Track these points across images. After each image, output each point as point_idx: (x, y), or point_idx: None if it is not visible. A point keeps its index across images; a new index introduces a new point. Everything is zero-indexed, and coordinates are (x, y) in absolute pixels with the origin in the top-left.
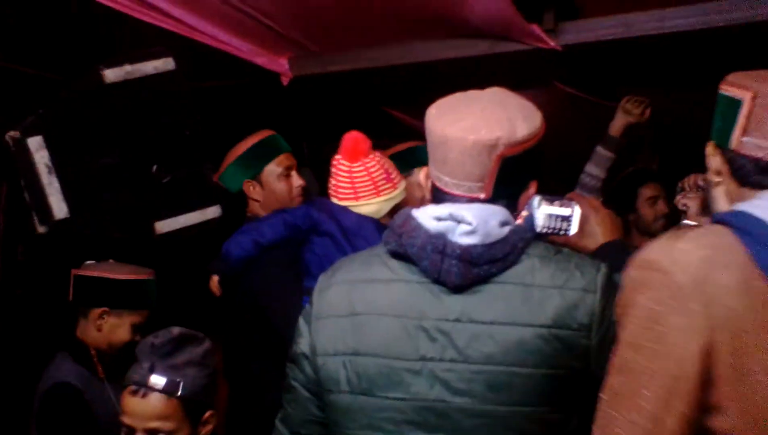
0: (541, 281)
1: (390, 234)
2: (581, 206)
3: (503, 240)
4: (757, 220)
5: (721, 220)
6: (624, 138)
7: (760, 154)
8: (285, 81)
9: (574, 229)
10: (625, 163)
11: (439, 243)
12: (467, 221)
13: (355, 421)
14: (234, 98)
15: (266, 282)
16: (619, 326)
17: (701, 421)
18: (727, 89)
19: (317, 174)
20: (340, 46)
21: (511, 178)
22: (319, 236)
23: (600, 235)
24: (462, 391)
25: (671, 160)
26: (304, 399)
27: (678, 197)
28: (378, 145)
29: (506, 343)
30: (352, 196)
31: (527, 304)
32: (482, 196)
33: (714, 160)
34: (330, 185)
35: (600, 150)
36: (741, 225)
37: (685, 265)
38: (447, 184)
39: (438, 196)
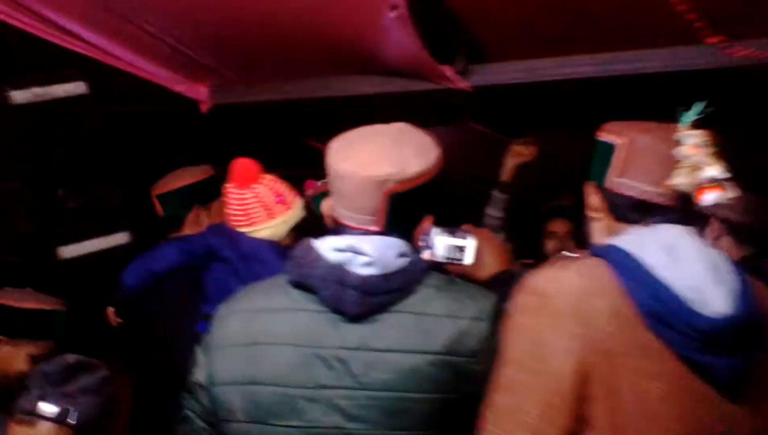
0: (436, 310)
1: (291, 264)
2: (476, 238)
3: (400, 271)
4: (626, 254)
5: (596, 253)
6: (516, 179)
7: (632, 193)
8: (204, 109)
9: (468, 258)
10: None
11: (338, 273)
12: (366, 253)
13: None
14: (155, 124)
15: (163, 310)
16: (504, 347)
17: (576, 434)
18: (603, 136)
19: None
20: (259, 77)
21: (402, 213)
22: (217, 262)
23: (492, 265)
24: (358, 417)
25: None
26: (199, 429)
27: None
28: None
29: (401, 370)
30: (245, 222)
31: (421, 332)
32: (374, 228)
33: (593, 198)
34: (224, 213)
35: (495, 193)
36: (613, 258)
37: (565, 292)
38: (343, 216)
39: (337, 227)
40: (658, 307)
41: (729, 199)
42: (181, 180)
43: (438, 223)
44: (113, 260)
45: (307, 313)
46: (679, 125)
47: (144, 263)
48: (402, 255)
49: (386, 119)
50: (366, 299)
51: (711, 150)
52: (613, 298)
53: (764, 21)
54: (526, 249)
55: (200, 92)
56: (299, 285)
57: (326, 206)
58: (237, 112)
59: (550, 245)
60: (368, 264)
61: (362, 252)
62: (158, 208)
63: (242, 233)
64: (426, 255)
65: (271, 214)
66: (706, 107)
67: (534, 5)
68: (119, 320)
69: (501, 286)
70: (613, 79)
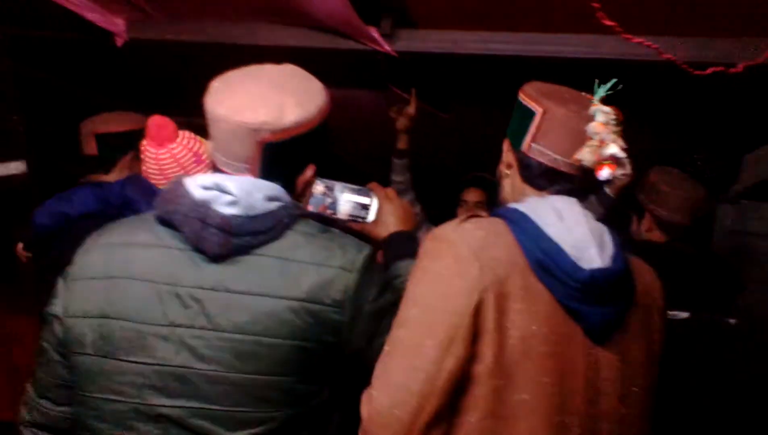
0: (302, 257)
1: (159, 200)
2: (379, 196)
3: (268, 214)
4: (522, 214)
5: (497, 214)
6: (408, 144)
7: (543, 160)
8: (119, 42)
9: (371, 216)
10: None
11: (202, 211)
12: (230, 192)
13: (95, 384)
14: (65, 53)
15: (73, 251)
16: (409, 288)
17: (466, 369)
18: (524, 99)
19: None
20: (182, 15)
21: (279, 162)
22: (131, 213)
23: (392, 224)
24: (208, 358)
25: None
26: (53, 361)
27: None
28: None
29: (257, 314)
30: (161, 180)
31: (283, 277)
32: (250, 175)
33: (508, 155)
34: (141, 169)
35: (395, 160)
36: (510, 217)
37: (468, 240)
38: (219, 161)
39: (215, 171)
40: (544, 259)
41: (622, 175)
42: (128, 123)
43: (323, 174)
44: (9, 190)
45: (168, 250)
46: (593, 99)
47: (59, 205)
48: (272, 199)
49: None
50: (227, 239)
51: (616, 128)
52: (508, 248)
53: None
54: (443, 217)
55: (116, 24)
56: (164, 221)
57: (207, 149)
58: (154, 51)
59: (460, 212)
60: (232, 203)
61: (227, 190)
62: (91, 146)
63: (159, 189)
64: (310, 207)
65: (187, 174)
66: (616, 85)
67: None
68: (28, 255)
69: (398, 245)
70: (535, 60)
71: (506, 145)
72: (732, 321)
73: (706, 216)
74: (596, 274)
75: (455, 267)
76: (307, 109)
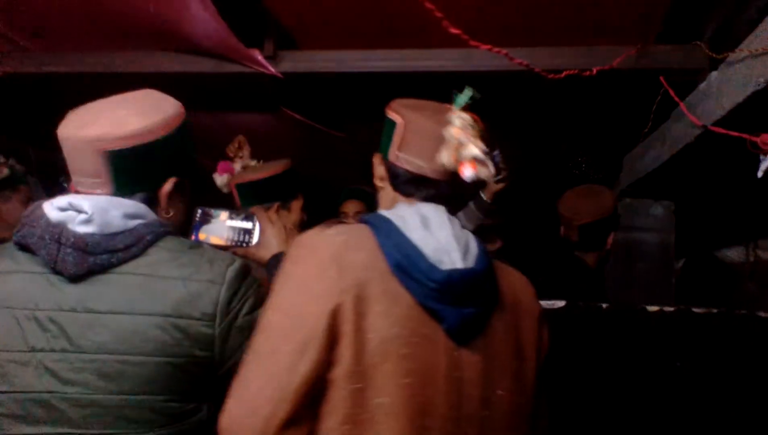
0: (167, 273)
1: (18, 225)
2: (260, 220)
3: (127, 231)
4: (386, 220)
5: (362, 220)
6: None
7: (409, 167)
8: None
9: (255, 240)
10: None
11: (57, 232)
12: (84, 210)
13: None
14: None
15: None
16: (272, 295)
17: (324, 374)
18: (389, 113)
19: (48, 182)
20: (56, 45)
21: (128, 173)
22: None
23: (275, 246)
24: (72, 381)
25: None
26: None
27: None
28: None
29: (121, 332)
30: None
31: (147, 294)
32: (99, 190)
33: (379, 168)
34: None
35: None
36: (374, 222)
37: (328, 245)
38: (75, 182)
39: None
40: (404, 262)
41: (486, 175)
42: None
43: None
44: None
45: (26, 275)
46: (453, 107)
47: None
48: (132, 216)
49: (198, 100)
50: (84, 258)
51: (474, 132)
52: (369, 253)
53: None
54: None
55: None
56: (23, 246)
57: None
58: (35, 85)
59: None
60: (86, 221)
61: (81, 209)
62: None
63: None
64: (192, 236)
65: None
66: (475, 94)
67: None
68: None
69: (279, 266)
70: (415, 75)
71: (377, 159)
72: (604, 306)
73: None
74: (453, 275)
75: (314, 271)
76: (149, 118)
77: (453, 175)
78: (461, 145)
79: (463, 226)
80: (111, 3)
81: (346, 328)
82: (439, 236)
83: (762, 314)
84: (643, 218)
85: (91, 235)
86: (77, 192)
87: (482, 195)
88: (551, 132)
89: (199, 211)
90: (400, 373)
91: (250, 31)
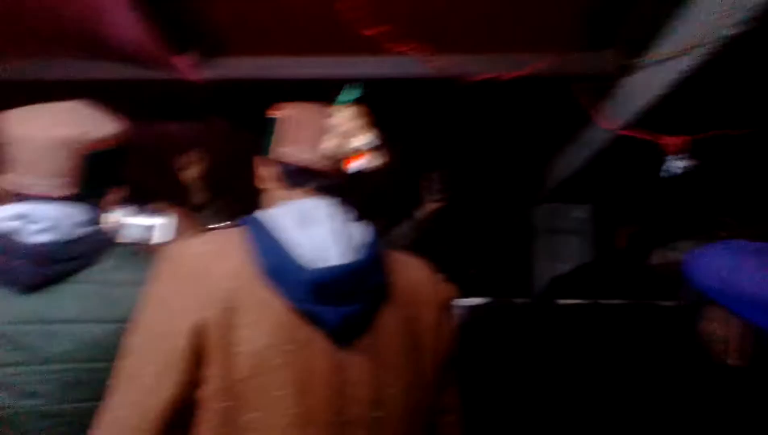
0: (121, 279)
1: None
2: (174, 216)
3: (80, 239)
4: (257, 222)
5: (237, 223)
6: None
7: (292, 160)
8: None
9: (159, 237)
10: None
11: (5, 244)
12: (39, 219)
13: None
14: None
15: None
16: (137, 315)
17: (191, 394)
18: (270, 112)
19: None
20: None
21: (94, 177)
22: None
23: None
24: (32, 394)
25: None
26: None
27: None
28: None
29: (80, 341)
30: None
31: (104, 301)
32: (61, 193)
33: (260, 169)
34: None
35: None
36: (248, 225)
37: (191, 256)
38: (25, 185)
39: (13, 198)
40: (274, 265)
41: (374, 164)
42: None
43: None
44: None
45: None
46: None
47: None
48: (83, 223)
49: (124, 107)
50: (39, 269)
51: (360, 122)
52: (237, 259)
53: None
54: None
55: None
56: None
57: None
58: None
59: None
60: (41, 231)
61: (35, 219)
62: None
63: None
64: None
65: None
66: (362, 91)
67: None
68: None
69: None
70: (343, 81)
71: (257, 161)
72: (519, 301)
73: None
74: (327, 273)
75: (176, 287)
76: (113, 125)
77: (339, 165)
78: (346, 135)
79: (352, 219)
80: (30, 6)
81: (213, 344)
82: (315, 233)
83: (664, 303)
84: (565, 221)
85: (45, 244)
86: (28, 195)
87: (416, 214)
88: (480, 138)
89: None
90: (274, 385)
91: (177, 37)
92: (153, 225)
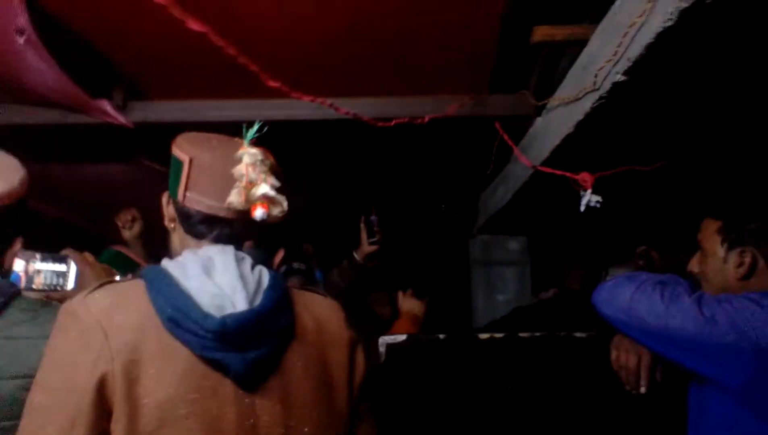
0: (27, 333)
1: None
2: (77, 262)
3: None
4: (159, 272)
5: (138, 275)
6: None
7: (199, 208)
8: None
9: (71, 283)
10: None
11: None
12: None
13: None
14: None
15: None
16: (38, 371)
17: None
18: (174, 150)
19: None
20: None
21: None
22: None
23: None
24: None
25: None
26: None
27: None
28: None
29: None
30: None
31: (11, 356)
32: None
33: (168, 209)
34: None
35: None
36: (148, 277)
37: (93, 310)
38: None
39: None
40: (176, 314)
41: (277, 214)
42: None
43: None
44: None
45: None
46: (243, 142)
47: None
48: None
49: (52, 151)
50: None
51: (265, 168)
52: (139, 311)
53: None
54: None
55: None
56: None
57: None
58: None
59: None
60: None
61: None
62: None
63: None
64: (22, 283)
65: None
66: (262, 128)
67: (187, 47)
68: None
69: None
70: (268, 123)
71: (165, 199)
72: (441, 336)
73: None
74: (229, 320)
75: (78, 341)
76: (11, 180)
77: (246, 213)
78: (251, 184)
79: (256, 265)
80: None
81: (117, 398)
82: (221, 281)
83: (578, 335)
84: (501, 253)
85: None
86: None
87: (355, 255)
88: (414, 176)
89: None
90: (182, 434)
91: (99, 81)
92: (65, 271)
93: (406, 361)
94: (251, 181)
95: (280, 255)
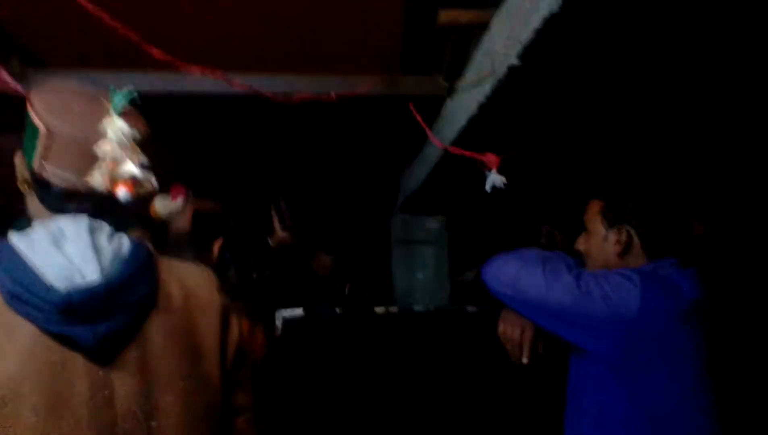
0: None
1: None
2: None
3: None
4: (7, 248)
5: None
6: None
7: (57, 181)
8: None
9: None
10: None
11: None
12: None
13: None
14: None
15: None
16: None
17: None
18: (31, 113)
19: None
20: None
21: None
22: None
23: None
24: None
25: None
26: None
27: None
28: None
29: None
30: None
31: None
32: None
33: (23, 171)
34: None
35: None
36: None
37: None
38: None
39: None
40: (17, 289)
41: (144, 192)
42: None
43: None
44: None
45: None
46: (109, 108)
47: None
48: None
49: None
50: None
51: (132, 144)
52: None
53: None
54: None
55: None
56: None
57: None
58: None
59: None
60: None
61: None
62: None
63: None
64: None
65: None
66: (134, 94)
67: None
68: None
69: None
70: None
71: (19, 159)
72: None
73: None
74: (72, 293)
75: None
76: None
77: (105, 190)
78: (116, 163)
79: (116, 232)
80: None
81: None
82: (71, 251)
83: (469, 309)
84: (420, 232)
85: None
86: None
87: (269, 242)
88: (333, 157)
89: None
90: (25, 413)
91: None
92: None
93: (303, 336)
94: (114, 159)
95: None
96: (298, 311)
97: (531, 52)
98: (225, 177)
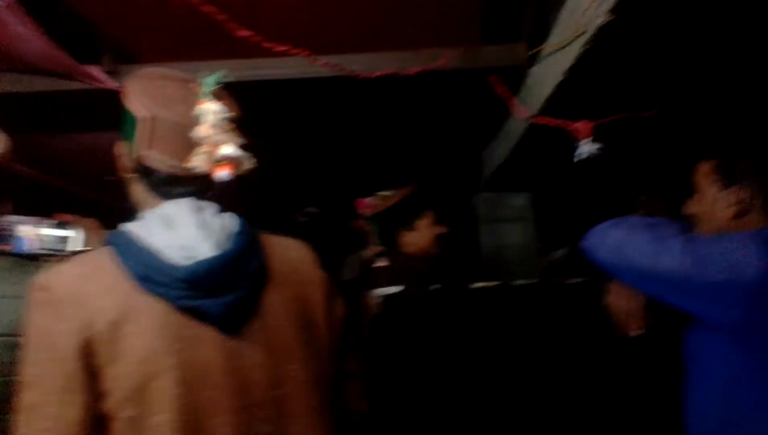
0: (3, 292)
1: None
2: (82, 227)
3: None
4: (124, 234)
5: (106, 241)
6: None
7: (161, 167)
8: None
9: (72, 248)
10: None
11: None
12: None
13: None
14: None
15: None
16: (23, 347)
17: (97, 410)
18: (128, 104)
19: None
20: None
21: None
22: None
23: None
24: None
25: None
26: None
27: None
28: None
29: None
30: None
31: None
32: None
33: (125, 159)
34: None
35: None
36: (115, 242)
37: (64, 281)
38: None
39: None
40: (146, 271)
41: (244, 171)
42: None
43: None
44: None
45: None
46: (201, 94)
47: None
48: None
49: (46, 118)
50: None
51: (227, 127)
52: (110, 276)
53: None
54: None
55: None
56: None
57: None
58: None
59: None
60: None
61: None
62: None
63: None
64: (27, 246)
65: None
66: (223, 76)
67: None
68: None
69: None
70: (257, 83)
71: (121, 149)
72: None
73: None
74: (198, 267)
75: (54, 313)
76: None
77: (206, 173)
78: (215, 145)
79: (219, 212)
80: None
81: (102, 360)
82: (183, 233)
83: (571, 281)
84: (505, 210)
85: None
86: None
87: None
88: (410, 132)
89: (6, 220)
90: (171, 384)
91: (87, 46)
92: (67, 236)
93: (402, 312)
94: (214, 142)
95: None
96: (394, 289)
97: (624, 4)
98: (308, 161)
